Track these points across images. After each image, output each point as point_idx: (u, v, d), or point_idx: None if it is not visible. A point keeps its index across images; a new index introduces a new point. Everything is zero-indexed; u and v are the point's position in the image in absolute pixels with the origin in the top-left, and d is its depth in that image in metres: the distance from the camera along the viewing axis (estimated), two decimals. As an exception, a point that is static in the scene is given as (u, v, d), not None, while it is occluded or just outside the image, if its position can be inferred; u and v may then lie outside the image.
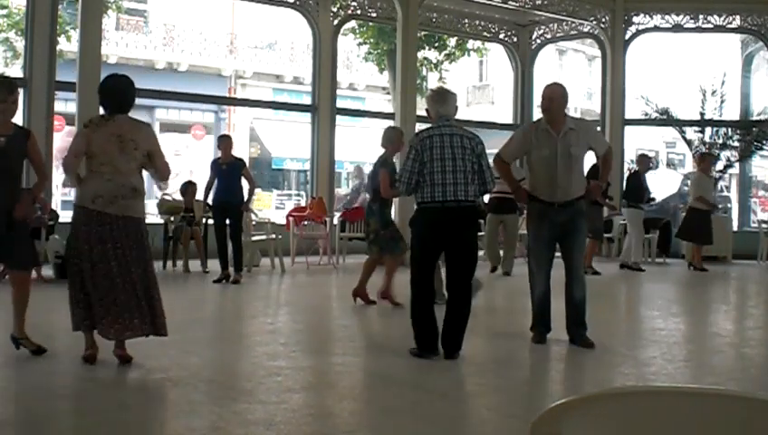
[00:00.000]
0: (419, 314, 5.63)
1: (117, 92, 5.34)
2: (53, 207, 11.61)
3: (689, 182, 13.71)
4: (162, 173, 5.40)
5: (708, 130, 15.33)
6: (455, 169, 5.49)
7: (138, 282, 5.14)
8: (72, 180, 5.29)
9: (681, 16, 15.95)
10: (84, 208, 5.12)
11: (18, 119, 11.71)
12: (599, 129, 14.61)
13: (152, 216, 11.48)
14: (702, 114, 15.40)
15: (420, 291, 5.65)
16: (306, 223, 12.62)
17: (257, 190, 15.30)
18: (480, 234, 13.13)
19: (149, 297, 5.22)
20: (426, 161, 5.51)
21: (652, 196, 13.51)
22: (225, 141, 10.68)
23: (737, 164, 16.11)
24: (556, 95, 6.08)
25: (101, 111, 5.58)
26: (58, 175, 12.49)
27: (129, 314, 5.09)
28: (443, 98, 5.79)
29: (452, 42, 19.02)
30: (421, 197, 5.59)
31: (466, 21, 16.51)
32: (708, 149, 14.98)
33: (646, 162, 13.23)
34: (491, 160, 6.01)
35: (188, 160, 22.48)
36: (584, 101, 27.11)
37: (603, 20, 15.85)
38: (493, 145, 16.95)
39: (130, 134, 5.19)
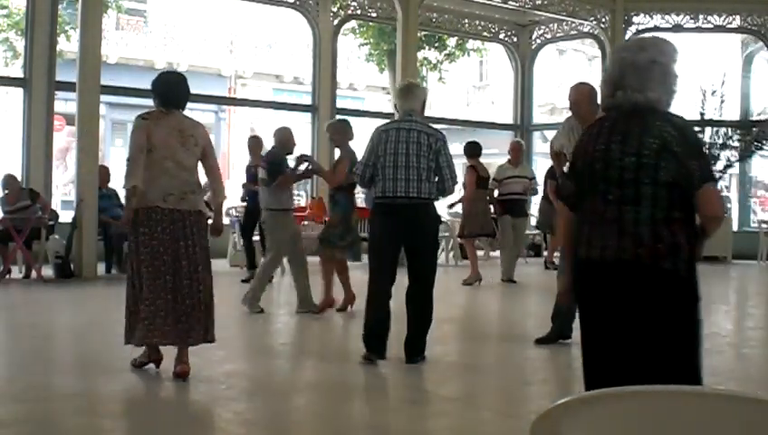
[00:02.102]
0: (367, 312, 5.49)
1: (180, 88, 5.13)
2: (53, 206, 11.61)
3: None
4: (216, 173, 5.18)
5: (708, 130, 15.30)
6: (407, 165, 5.33)
7: (202, 282, 4.96)
8: (137, 178, 4.87)
9: (681, 16, 15.94)
10: (156, 208, 4.86)
11: (18, 119, 11.82)
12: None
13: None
14: (702, 114, 15.36)
15: (372, 289, 5.50)
16: (306, 223, 12.60)
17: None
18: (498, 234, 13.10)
19: (210, 299, 5.01)
20: (380, 155, 5.40)
21: None
22: (253, 142, 10.57)
23: (737, 164, 16.08)
24: (580, 97, 6.00)
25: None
26: (58, 174, 12.50)
27: (189, 319, 4.87)
28: (406, 92, 5.65)
29: (452, 42, 19.01)
30: (375, 191, 5.51)
31: (466, 21, 16.51)
32: (708, 150, 14.97)
33: None
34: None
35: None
36: (584, 101, 27.02)
37: (603, 20, 15.84)
38: (492, 145, 16.92)
39: (190, 130, 5.04)
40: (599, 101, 6.22)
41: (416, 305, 5.48)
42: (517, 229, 11.09)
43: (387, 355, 5.45)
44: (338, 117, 8.54)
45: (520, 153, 11.25)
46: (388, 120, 5.76)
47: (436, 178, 5.43)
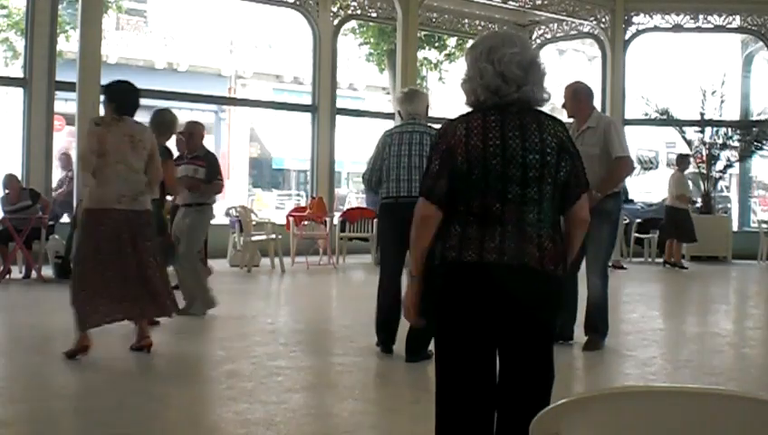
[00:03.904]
0: (377, 308, 5.78)
1: (131, 96, 5.62)
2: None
3: (669, 182, 13.73)
4: (155, 175, 5.63)
5: (708, 130, 15.32)
6: (410, 166, 5.59)
7: (153, 269, 5.48)
8: (89, 178, 5.49)
9: (681, 16, 15.94)
10: (111, 210, 5.33)
11: (18, 119, 11.82)
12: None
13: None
14: (702, 114, 15.39)
15: (380, 288, 5.77)
16: (306, 223, 12.62)
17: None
18: None
19: (164, 281, 5.60)
20: (385, 158, 5.69)
21: (629, 197, 13.67)
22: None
23: (737, 164, 16.10)
24: (567, 95, 6.15)
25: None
26: (58, 174, 12.48)
27: (142, 301, 5.42)
28: (410, 98, 5.93)
29: (452, 42, 19.02)
30: (381, 192, 5.79)
31: (466, 21, 16.51)
32: (708, 150, 14.98)
33: None
34: None
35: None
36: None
37: (603, 20, 15.84)
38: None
39: (139, 135, 5.52)
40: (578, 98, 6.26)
41: None
42: None
43: (394, 350, 5.67)
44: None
45: None
46: (394, 125, 6.01)
47: None
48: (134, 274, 5.41)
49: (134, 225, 5.41)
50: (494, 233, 2.48)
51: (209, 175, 7.44)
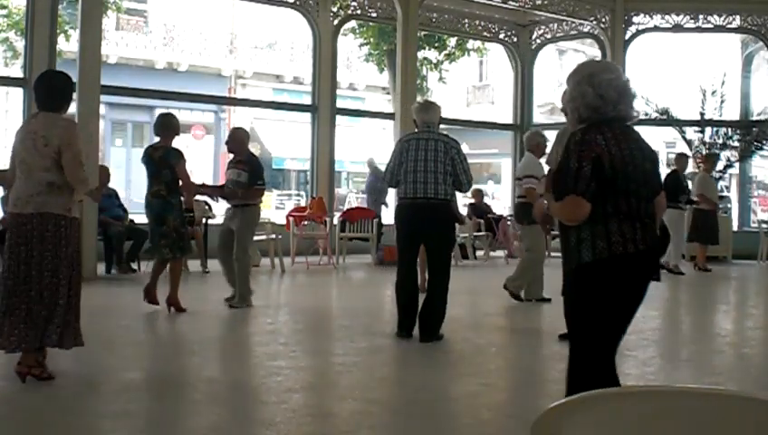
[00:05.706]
0: (397, 299, 6.35)
1: (46, 90, 4.99)
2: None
3: (691, 183, 13.52)
4: (68, 171, 4.82)
5: (708, 130, 15.32)
6: (426, 170, 6.15)
7: (47, 288, 4.77)
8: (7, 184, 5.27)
9: (681, 16, 15.95)
10: (11, 214, 4.90)
11: (18, 119, 11.80)
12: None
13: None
14: (702, 114, 15.39)
15: (399, 278, 6.35)
16: (306, 223, 12.61)
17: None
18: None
19: (62, 306, 4.79)
20: (403, 162, 6.25)
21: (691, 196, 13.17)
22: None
23: (737, 164, 16.10)
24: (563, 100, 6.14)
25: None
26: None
27: (40, 325, 4.76)
28: (426, 108, 6.55)
29: (452, 42, 19.02)
30: (399, 193, 6.42)
31: (466, 21, 16.51)
32: (708, 149, 14.97)
33: (684, 161, 12.97)
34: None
35: (188, 160, 22.45)
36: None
37: (603, 20, 15.84)
38: (492, 145, 16.82)
39: (43, 130, 4.84)
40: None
41: (431, 291, 6.38)
42: (524, 240, 10.50)
43: (385, 352, 5.76)
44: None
45: None
46: (410, 132, 6.69)
47: (452, 180, 6.24)
48: (21, 288, 4.74)
49: (26, 230, 4.78)
50: (637, 227, 3.09)
51: (251, 179, 7.88)
